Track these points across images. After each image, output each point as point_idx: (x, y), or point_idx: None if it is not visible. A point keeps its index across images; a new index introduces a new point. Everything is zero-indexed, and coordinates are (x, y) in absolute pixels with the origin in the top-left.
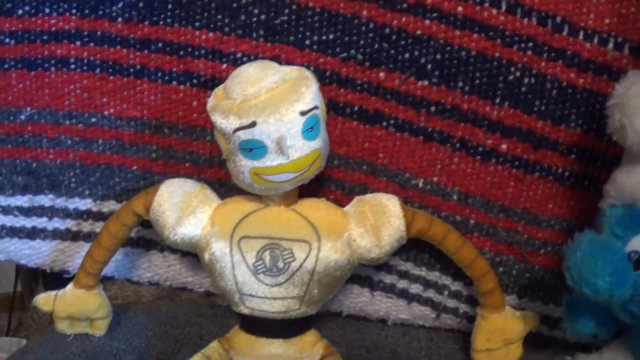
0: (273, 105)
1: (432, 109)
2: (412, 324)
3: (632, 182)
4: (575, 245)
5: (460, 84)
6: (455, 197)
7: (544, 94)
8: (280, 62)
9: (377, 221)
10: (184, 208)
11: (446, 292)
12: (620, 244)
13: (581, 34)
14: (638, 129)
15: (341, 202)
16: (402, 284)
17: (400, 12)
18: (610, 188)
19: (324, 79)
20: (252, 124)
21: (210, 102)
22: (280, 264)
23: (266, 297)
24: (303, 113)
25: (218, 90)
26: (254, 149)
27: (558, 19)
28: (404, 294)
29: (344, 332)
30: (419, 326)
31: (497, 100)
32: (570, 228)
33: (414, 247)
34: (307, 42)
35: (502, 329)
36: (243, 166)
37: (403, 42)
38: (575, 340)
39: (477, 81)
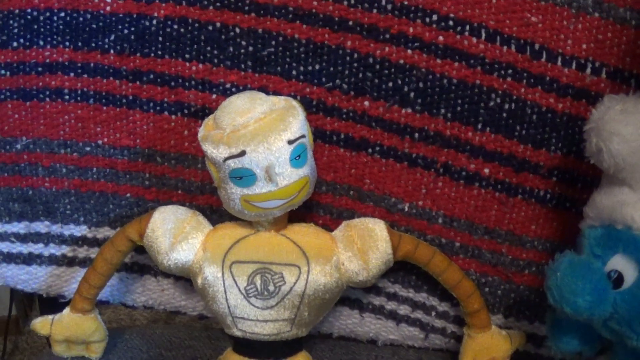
0: (261, 135)
1: (416, 135)
2: (401, 345)
3: (609, 203)
4: (556, 266)
5: (442, 110)
6: (440, 220)
7: (524, 119)
8: (268, 92)
9: (365, 245)
10: (176, 234)
11: (434, 313)
12: (599, 263)
13: (559, 59)
14: (614, 152)
15: (330, 227)
16: (390, 305)
17: (383, 42)
18: (589, 209)
19: (311, 108)
20: (242, 153)
21: (201, 132)
22: (271, 288)
23: (258, 319)
24: (290, 142)
25: (208, 121)
26: (243, 177)
27: (537, 46)
28: (393, 315)
29: (334, 353)
30: (409, 346)
31: (479, 126)
32: (553, 248)
33: (402, 269)
34: (294, 72)
35: (488, 348)
36: (233, 193)
37: (386, 72)
38: (560, 357)
39: (459, 108)
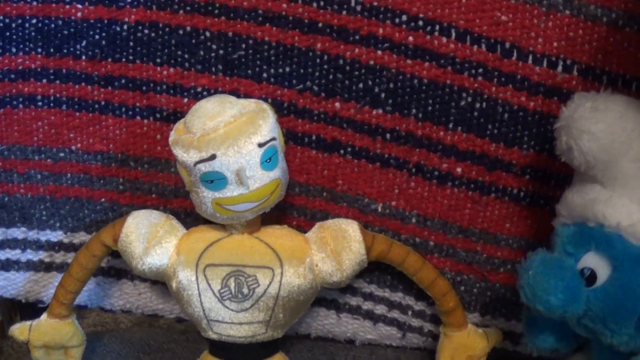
0: (232, 138)
1: (388, 136)
2: (379, 344)
3: (581, 201)
4: (528, 264)
5: (413, 111)
6: (414, 220)
7: (496, 117)
8: (238, 96)
9: (338, 246)
10: (150, 239)
11: (410, 312)
12: (572, 261)
13: (530, 58)
14: (584, 150)
15: (304, 229)
16: (367, 305)
17: (353, 44)
18: (562, 207)
19: (282, 111)
20: (212, 157)
21: (172, 136)
22: (245, 290)
23: (233, 322)
24: (261, 145)
25: (179, 125)
26: (214, 180)
27: (507, 45)
28: (370, 315)
29: (312, 354)
30: (386, 346)
31: (450, 126)
32: (528, 246)
33: (377, 269)
34: (265, 75)
35: (465, 346)
36: (205, 197)
37: (357, 73)
38: (537, 355)
39: (430, 108)
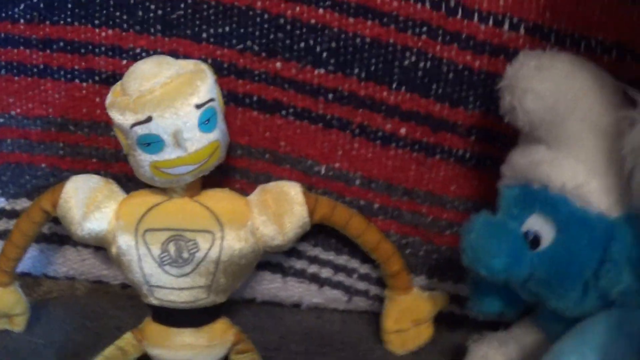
0: (168, 100)
1: (330, 96)
2: (325, 308)
3: (526, 162)
4: (470, 226)
5: (356, 70)
6: (358, 181)
7: (440, 77)
8: (178, 56)
9: (280, 209)
10: (89, 204)
11: (355, 275)
12: (516, 224)
13: (476, 16)
14: (528, 110)
15: (247, 192)
16: (312, 268)
17: (294, 2)
18: (506, 168)
19: (222, 71)
20: (148, 119)
21: (109, 99)
22: (185, 255)
23: (173, 287)
24: (198, 106)
25: (116, 87)
26: (151, 143)
27: (452, 3)
28: (315, 279)
29: (258, 318)
30: (333, 309)
31: (394, 86)
32: (475, 208)
33: (322, 232)
34: (204, 35)
35: (410, 310)
36: (142, 160)
37: (298, 32)
38: (483, 319)
39: (373, 67)
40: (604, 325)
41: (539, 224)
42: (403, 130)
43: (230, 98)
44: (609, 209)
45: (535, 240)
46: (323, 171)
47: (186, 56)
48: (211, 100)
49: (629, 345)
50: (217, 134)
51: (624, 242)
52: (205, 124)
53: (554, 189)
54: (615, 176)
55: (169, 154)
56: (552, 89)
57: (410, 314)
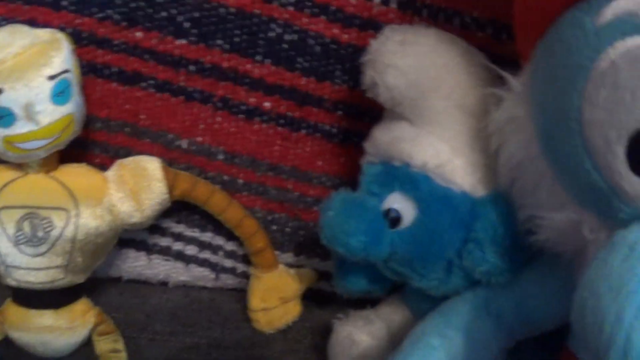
0: (19, 71)
1: (192, 68)
2: (193, 286)
3: (387, 139)
4: (328, 204)
5: (219, 42)
6: (221, 156)
7: (307, 50)
8: (36, 25)
9: (137, 185)
10: None
11: (221, 253)
12: (376, 201)
13: None
14: (389, 86)
15: (106, 166)
16: (177, 246)
17: None
18: (369, 145)
19: (81, 41)
20: None
21: None
22: (40, 234)
23: (30, 268)
24: (52, 77)
25: None
26: (2, 116)
27: None
28: (181, 256)
29: (123, 297)
30: (201, 287)
31: (258, 58)
32: (341, 184)
33: (185, 208)
34: (64, 3)
35: (276, 288)
36: None
37: (160, 0)
38: (348, 297)
39: (237, 39)
40: (469, 305)
41: (399, 202)
42: (267, 104)
43: (89, 69)
44: (473, 188)
45: (396, 219)
46: (184, 145)
47: (45, 25)
48: (66, 71)
49: (494, 324)
50: (71, 107)
51: (488, 221)
52: (59, 96)
53: (416, 167)
54: (480, 155)
55: (21, 127)
56: (414, 65)
57: (276, 291)
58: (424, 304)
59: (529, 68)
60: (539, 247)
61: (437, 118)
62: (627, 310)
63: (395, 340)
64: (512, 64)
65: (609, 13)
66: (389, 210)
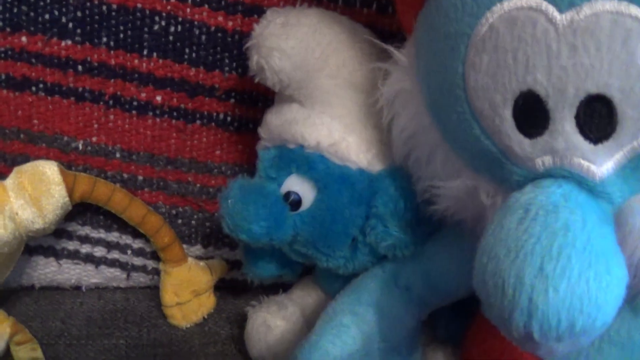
0: None
1: (80, 68)
2: (106, 287)
3: (280, 122)
4: (226, 192)
5: (104, 39)
6: (118, 155)
7: (193, 40)
8: None
9: (37, 191)
10: None
11: (129, 251)
12: (274, 186)
13: None
14: (276, 69)
15: (6, 175)
16: (85, 248)
17: None
18: (262, 130)
19: None
20: None
21: None
22: None
23: None
24: None
25: None
26: None
27: None
28: (90, 259)
29: (38, 305)
30: (114, 288)
31: (145, 52)
32: (242, 172)
33: (88, 210)
34: None
35: (188, 281)
36: None
37: (42, 3)
38: (260, 283)
39: (122, 35)
40: (378, 280)
41: (298, 185)
42: (159, 98)
43: None
44: (370, 164)
45: (296, 202)
46: (80, 147)
47: None
48: None
49: (404, 297)
50: None
51: (387, 195)
52: None
53: (310, 147)
54: (373, 131)
55: None
56: (298, 47)
57: (188, 285)
58: (335, 284)
59: (412, 40)
60: (440, 217)
61: (326, 97)
62: (526, 272)
63: (311, 322)
64: (401, 37)
65: None
66: (288, 194)
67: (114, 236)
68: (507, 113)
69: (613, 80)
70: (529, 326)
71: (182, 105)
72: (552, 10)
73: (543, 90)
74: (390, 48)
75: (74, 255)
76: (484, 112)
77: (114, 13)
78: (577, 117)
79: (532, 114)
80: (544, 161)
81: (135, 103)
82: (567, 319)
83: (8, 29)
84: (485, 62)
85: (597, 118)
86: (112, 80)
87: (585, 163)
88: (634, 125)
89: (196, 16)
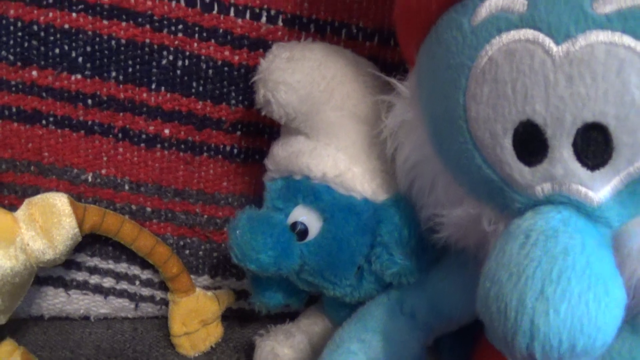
0: None
1: (89, 101)
2: (115, 317)
3: (286, 154)
4: (235, 223)
5: (113, 73)
6: (126, 187)
7: (200, 74)
8: None
9: (47, 222)
10: None
11: (138, 282)
12: (281, 216)
13: (232, 10)
14: (282, 102)
15: (16, 207)
16: (94, 279)
17: (47, 8)
18: (269, 162)
19: None
20: None
21: None
22: None
23: None
24: None
25: None
26: None
27: None
28: (99, 289)
29: (47, 335)
30: (123, 318)
31: (153, 86)
32: (249, 203)
33: (97, 241)
34: None
35: (196, 311)
36: None
37: (52, 38)
38: (266, 312)
39: (131, 69)
40: (384, 307)
41: (304, 215)
42: (167, 131)
43: None
44: (374, 194)
45: (303, 231)
46: (90, 179)
47: None
48: None
49: (410, 323)
50: None
51: (392, 224)
52: None
53: (316, 178)
54: (377, 161)
55: None
56: (304, 80)
57: (196, 315)
58: (342, 312)
59: (415, 72)
60: (443, 245)
61: (332, 129)
62: (528, 295)
63: (317, 350)
64: (403, 68)
65: (483, 12)
66: (295, 224)
67: (122, 267)
68: (508, 142)
69: (608, 108)
70: (532, 348)
71: (190, 138)
72: (548, 42)
73: (541, 119)
74: (393, 80)
75: (83, 286)
76: (485, 142)
77: (122, 48)
78: (575, 145)
79: (531, 143)
80: (543, 188)
81: (143, 136)
82: (568, 340)
83: (19, 63)
84: (485, 94)
85: (594, 145)
86: (121, 114)
87: (583, 189)
88: (629, 152)
89: (203, 51)
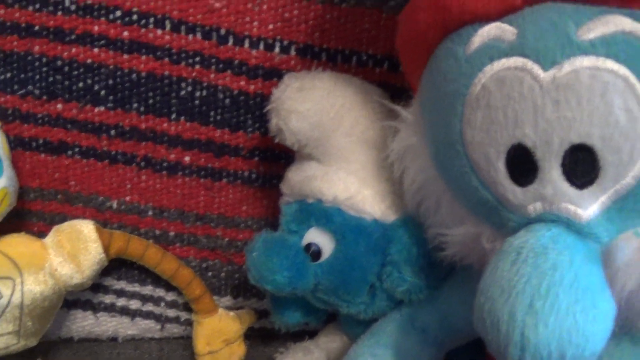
0: None
1: (112, 132)
2: (142, 338)
3: (300, 178)
4: (251, 245)
5: (135, 105)
6: (150, 212)
7: (218, 104)
8: None
9: (74, 248)
10: None
11: (163, 304)
12: (296, 238)
13: (247, 42)
14: (294, 130)
15: (45, 234)
16: (121, 301)
17: (70, 44)
18: (284, 186)
19: (7, 117)
20: None
21: None
22: None
23: None
24: None
25: None
26: None
27: (222, 31)
28: (126, 311)
29: (77, 356)
30: (149, 339)
31: (173, 116)
32: (267, 225)
33: (123, 265)
34: None
35: (219, 331)
36: None
37: (75, 72)
38: (286, 330)
39: (151, 100)
40: (396, 323)
41: (318, 237)
42: (187, 159)
43: (17, 143)
44: (384, 215)
45: (316, 253)
46: (115, 206)
47: None
48: None
49: (421, 338)
50: (4, 181)
51: (401, 244)
52: None
53: (328, 201)
54: (386, 183)
55: None
56: (314, 108)
57: (219, 334)
58: (358, 329)
59: (417, 99)
60: (450, 262)
61: (342, 154)
62: (518, 309)
63: None
64: (407, 95)
65: (477, 41)
66: (309, 245)
67: (148, 289)
68: (501, 165)
69: (594, 130)
70: (523, 358)
71: (209, 165)
72: (536, 69)
73: (531, 142)
74: (398, 107)
75: (111, 308)
76: (480, 164)
77: (143, 80)
78: (563, 166)
79: (522, 164)
80: (535, 207)
81: (165, 164)
82: (558, 350)
83: (45, 97)
84: (479, 119)
85: (581, 165)
86: (143, 143)
87: (572, 207)
88: (615, 170)
89: (220, 81)
